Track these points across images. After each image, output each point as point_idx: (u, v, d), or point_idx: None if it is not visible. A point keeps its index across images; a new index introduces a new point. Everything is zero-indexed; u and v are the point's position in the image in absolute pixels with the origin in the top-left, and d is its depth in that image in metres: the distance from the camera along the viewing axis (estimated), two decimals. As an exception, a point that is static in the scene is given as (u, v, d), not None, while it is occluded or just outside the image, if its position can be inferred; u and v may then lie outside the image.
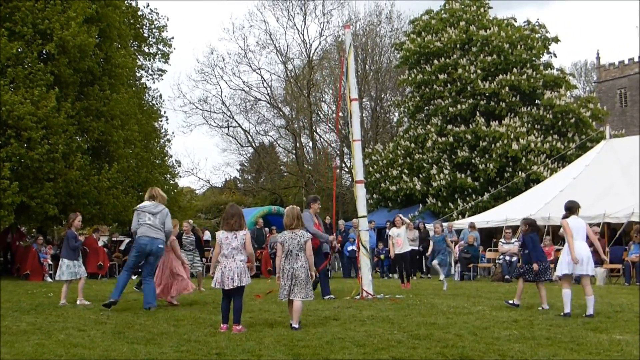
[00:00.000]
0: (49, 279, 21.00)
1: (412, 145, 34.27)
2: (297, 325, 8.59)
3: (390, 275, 23.93)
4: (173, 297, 12.39)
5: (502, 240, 21.86)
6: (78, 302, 12.31)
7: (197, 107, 46.65)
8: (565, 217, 10.50)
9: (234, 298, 8.77)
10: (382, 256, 24.16)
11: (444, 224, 20.31)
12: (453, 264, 19.76)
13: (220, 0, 71.07)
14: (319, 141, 49.34)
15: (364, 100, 45.42)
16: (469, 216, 28.12)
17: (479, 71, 32.72)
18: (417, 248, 23.09)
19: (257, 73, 48.07)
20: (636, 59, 68.00)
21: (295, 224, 8.91)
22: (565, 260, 10.20)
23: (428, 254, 18.99)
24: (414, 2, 51.48)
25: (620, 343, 7.38)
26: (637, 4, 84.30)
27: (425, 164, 33.13)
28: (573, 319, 9.56)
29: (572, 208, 10.56)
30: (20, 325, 9.20)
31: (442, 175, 31.78)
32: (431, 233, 18.28)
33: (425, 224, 24.80)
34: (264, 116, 48.74)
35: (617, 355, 6.66)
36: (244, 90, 46.75)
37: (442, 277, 16.68)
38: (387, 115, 48.62)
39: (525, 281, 11.53)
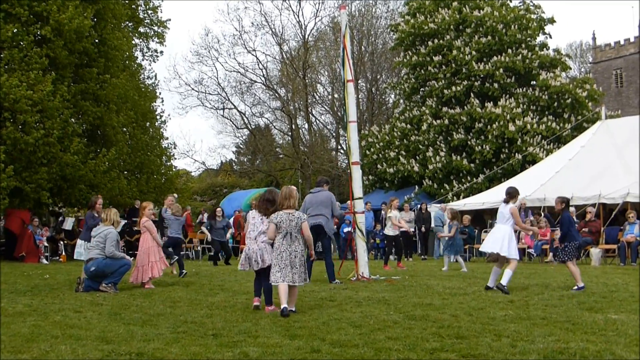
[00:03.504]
0: (44, 261, 20.99)
1: (408, 126, 34.20)
2: (294, 309, 8.53)
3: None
4: (147, 281, 12.37)
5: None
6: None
7: (192, 89, 46.55)
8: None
9: (262, 280, 8.88)
10: (377, 239, 24.19)
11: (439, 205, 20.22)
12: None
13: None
14: (314, 123, 49.30)
15: (359, 81, 45.31)
16: (464, 198, 28.16)
17: (473, 52, 32.60)
18: (412, 229, 23.22)
19: (252, 54, 48.05)
20: (632, 40, 67.87)
21: (287, 204, 8.63)
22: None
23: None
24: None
25: (616, 322, 7.40)
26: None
27: (421, 146, 33.10)
28: (568, 299, 9.59)
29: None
30: (17, 306, 9.20)
31: (437, 157, 31.77)
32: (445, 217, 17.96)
33: (427, 205, 24.93)
34: (260, 98, 48.69)
35: (612, 335, 6.68)
36: (239, 72, 46.64)
37: (464, 269, 16.39)
38: (383, 97, 48.54)
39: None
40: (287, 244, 8.50)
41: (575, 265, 11.11)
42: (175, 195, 17.73)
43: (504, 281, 10.59)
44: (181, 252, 15.85)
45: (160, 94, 31.62)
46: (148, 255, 12.36)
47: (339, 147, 48.60)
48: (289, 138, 48.05)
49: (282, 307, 8.28)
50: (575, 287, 10.82)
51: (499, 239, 11.03)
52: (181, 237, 15.94)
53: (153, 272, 12.29)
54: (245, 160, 56.23)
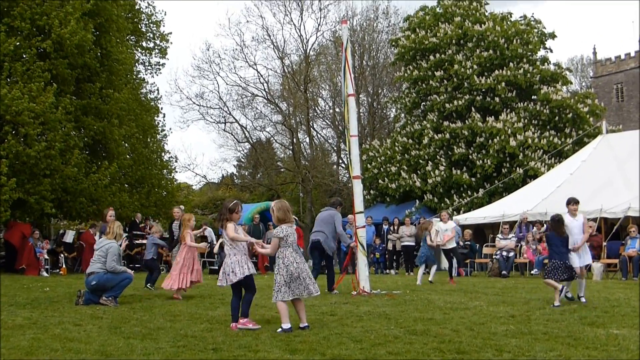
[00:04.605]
0: (45, 274, 20.94)
1: (409, 141, 34.24)
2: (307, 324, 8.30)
3: (387, 271, 23.95)
4: (187, 289, 12.81)
5: (500, 235, 21.89)
6: None
7: (194, 103, 46.58)
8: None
9: (245, 291, 8.60)
10: (377, 254, 24.14)
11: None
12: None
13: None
14: (316, 137, 49.35)
15: (360, 96, 45.39)
16: (464, 212, 28.13)
17: (475, 67, 32.68)
18: (413, 244, 23.19)
19: (253, 69, 47.94)
20: (632, 54, 68.02)
21: (289, 218, 8.42)
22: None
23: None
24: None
25: (618, 337, 7.37)
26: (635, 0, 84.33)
27: (421, 160, 33.12)
28: (570, 314, 9.56)
29: None
30: (16, 319, 9.17)
31: (437, 171, 31.78)
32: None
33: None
34: (261, 112, 48.71)
35: (614, 350, 6.66)
36: (240, 86, 46.68)
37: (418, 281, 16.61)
38: (384, 111, 48.61)
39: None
40: (298, 256, 8.33)
41: (555, 283, 10.99)
42: (182, 207, 17.63)
43: (580, 292, 11.43)
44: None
45: (162, 108, 31.73)
46: (180, 265, 12.74)
47: (340, 161, 48.62)
48: (290, 152, 48.06)
49: (304, 325, 8.15)
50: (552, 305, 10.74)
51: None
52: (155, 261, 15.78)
53: (181, 283, 12.49)
54: (246, 174, 56.25)
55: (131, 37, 30.48)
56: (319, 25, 50.54)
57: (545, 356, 6.32)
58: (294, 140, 46.79)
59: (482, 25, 33.65)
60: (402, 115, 38.42)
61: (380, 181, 34.32)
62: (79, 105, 24.06)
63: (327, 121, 49.01)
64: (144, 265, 15.52)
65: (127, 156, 26.71)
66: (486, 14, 35.39)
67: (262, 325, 8.62)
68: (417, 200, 32.77)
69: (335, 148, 49.93)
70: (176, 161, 32.50)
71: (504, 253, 20.96)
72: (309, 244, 14.75)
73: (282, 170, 51.08)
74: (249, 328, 8.26)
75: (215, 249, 17.09)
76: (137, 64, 31.21)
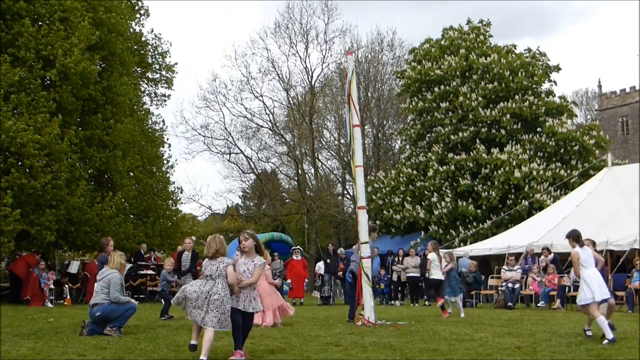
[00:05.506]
0: (49, 305, 20.90)
1: (414, 172, 34.29)
2: (205, 358, 7.93)
3: (392, 302, 23.87)
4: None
5: (505, 267, 21.82)
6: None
7: (199, 134, 46.66)
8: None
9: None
10: (382, 285, 24.07)
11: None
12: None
13: (223, 27, 71.50)
14: (321, 168, 49.39)
15: (366, 127, 45.52)
16: (470, 243, 28.07)
17: (480, 98, 32.81)
18: (418, 275, 23.19)
19: (259, 100, 48.07)
20: (637, 87, 68.25)
21: (213, 253, 8.35)
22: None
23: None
24: (415, 30, 51.77)
25: (624, 370, 7.33)
26: (637, 33, 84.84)
27: (426, 192, 33.13)
28: (576, 346, 9.50)
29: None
30: (20, 350, 9.15)
31: (443, 203, 31.77)
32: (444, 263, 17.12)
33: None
34: (266, 143, 48.75)
35: (621, 382, 6.62)
36: (246, 117, 46.79)
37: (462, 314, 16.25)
38: (389, 143, 48.74)
39: None
40: (208, 286, 8.25)
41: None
42: (193, 237, 17.51)
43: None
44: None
45: (167, 139, 31.81)
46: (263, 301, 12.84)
47: (345, 192, 48.64)
48: (295, 183, 48.04)
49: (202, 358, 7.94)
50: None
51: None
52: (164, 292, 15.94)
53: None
54: (251, 204, 56.22)
55: (137, 69, 30.67)
56: (324, 57, 50.85)
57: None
58: (299, 171, 46.81)
59: (487, 57, 33.86)
60: (407, 146, 38.51)
61: (385, 212, 34.33)
62: (84, 136, 24.18)
63: (332, 152, 49.13)
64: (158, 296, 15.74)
65: (133, 187, 26.74)
66: (491, 46, 35.61)
67: (266, 355, 8.58)
68: (422, 232, 32.75)
69: (340, 179, 49.99)
70: (181, 192, 32.57)
71: (510, 285, 20.89)
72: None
73: (287, 201, 51.07)
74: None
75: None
76: (142, 95, 31.38)
